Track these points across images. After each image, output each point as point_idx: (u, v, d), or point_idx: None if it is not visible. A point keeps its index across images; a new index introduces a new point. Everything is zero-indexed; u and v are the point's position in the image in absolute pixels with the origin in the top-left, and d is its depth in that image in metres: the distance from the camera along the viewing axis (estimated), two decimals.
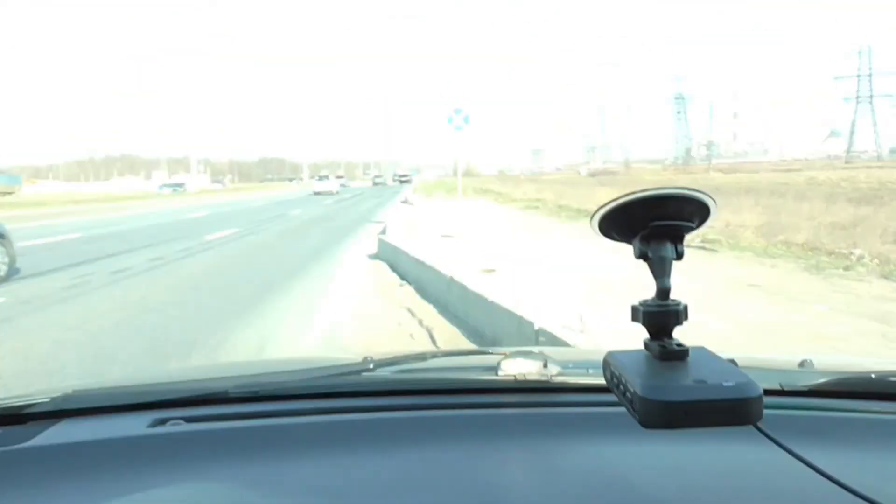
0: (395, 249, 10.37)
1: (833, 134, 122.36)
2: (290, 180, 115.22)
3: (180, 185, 79.56)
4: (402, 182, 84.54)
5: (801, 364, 1.27)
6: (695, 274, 8.67)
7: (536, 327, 4.53)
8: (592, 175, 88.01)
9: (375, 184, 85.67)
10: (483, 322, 5.80)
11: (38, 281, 9.84)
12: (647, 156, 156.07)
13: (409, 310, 7.11)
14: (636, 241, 0.82)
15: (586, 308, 6.42)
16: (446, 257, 8.87)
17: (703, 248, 10.69)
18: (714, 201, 0.79)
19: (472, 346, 5.46)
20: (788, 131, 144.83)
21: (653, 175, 76.03)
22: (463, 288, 6.48)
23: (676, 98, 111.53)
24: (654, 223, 0.80)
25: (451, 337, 5.86)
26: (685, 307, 0.82)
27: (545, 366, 1.19)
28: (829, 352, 4.58)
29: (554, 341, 4.25)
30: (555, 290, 7.87)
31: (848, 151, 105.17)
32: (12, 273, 10.24)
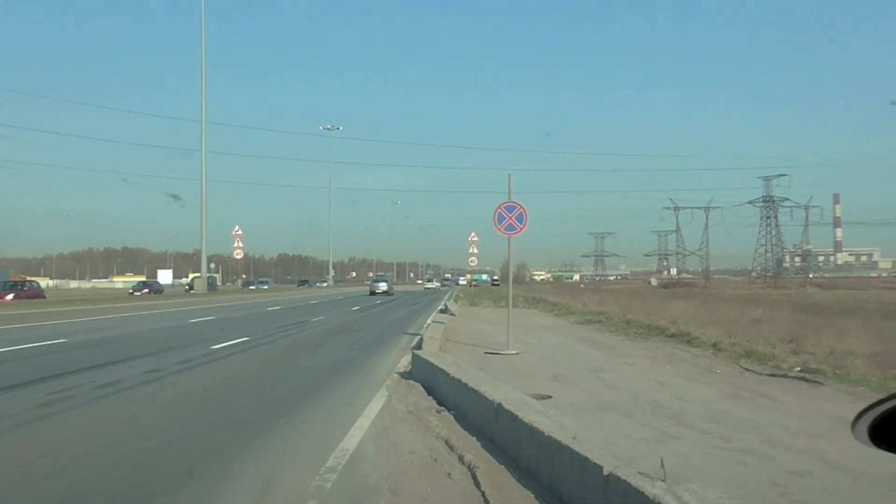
0: (432, 368, 10.18)
1: None
2: (304, 283, 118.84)
3: (154, 283, 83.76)
4: (443, 285, 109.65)
5: None
6: (794, 411, 8.32)
7: (606, 472, 4.28)
8: (665, 286, 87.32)
9: (427, 288, 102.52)
10: (538, 461, 5.54)
11: (12, 396, 9.80)
12: (731, 265, 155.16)
13: (448, 442, 6.87)
14: None
15: (661, 448, 6.14)
16: (493, 379, 8.66)
17: (804, 380, 10.31)
18: None
19: (527, 494, 5.19)
20: None
21: (737, 289, 75.25)
22: (513, 417, 6.25)
23: (765, 199, 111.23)
24: None
25: (497, 478, 5.60)
26: None
27: None
28: None
29: (627, 491, 4.00)
30: (622, 424, 7.57)
31: None
32: None
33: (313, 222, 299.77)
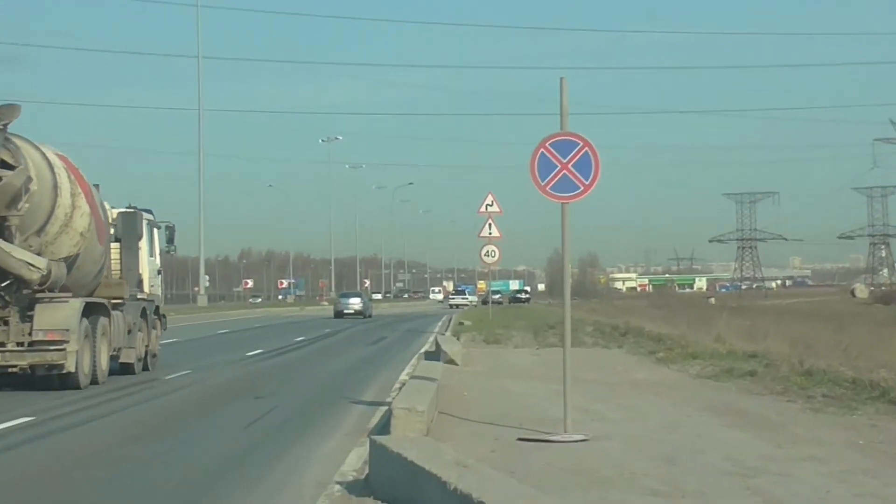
0: (413, 471, 10.14)
1: None
2: None
3: None
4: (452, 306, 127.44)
5: None
6: None
7: None
8: (884, 300, 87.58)
9: (453, 305, 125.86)
10: None
11: None
12: None
13: None
14: None
15: None
16: (538, 494, 8.61)
17: None
18: None
19: None
20: None
21: None
22: None
23: None
24: None
25: None
26: None
27: None
28: None
29: None
30: None
31: None
32: None
33: (172, 180, 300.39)
